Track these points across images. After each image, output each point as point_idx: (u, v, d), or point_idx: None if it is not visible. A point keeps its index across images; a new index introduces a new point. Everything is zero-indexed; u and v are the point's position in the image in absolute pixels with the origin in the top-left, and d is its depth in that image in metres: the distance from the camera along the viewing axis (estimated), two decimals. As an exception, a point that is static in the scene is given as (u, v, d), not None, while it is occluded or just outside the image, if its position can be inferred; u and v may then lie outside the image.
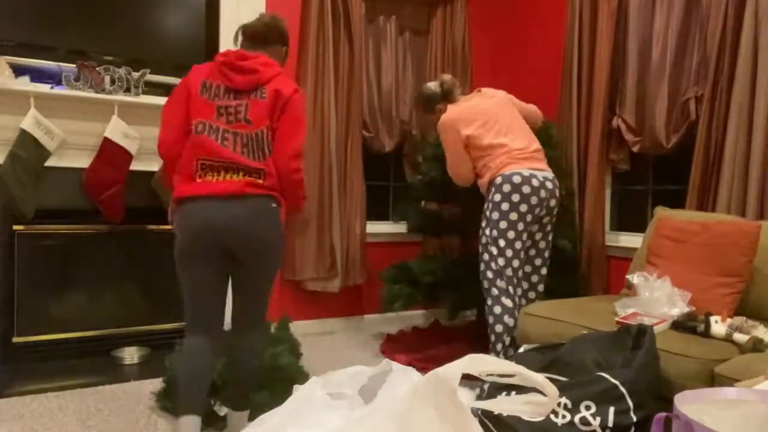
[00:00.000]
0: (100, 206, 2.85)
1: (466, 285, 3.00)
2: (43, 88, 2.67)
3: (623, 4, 3.18)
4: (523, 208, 2.44)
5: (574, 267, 3.15)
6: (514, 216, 2.45)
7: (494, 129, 2.55)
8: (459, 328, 3.62)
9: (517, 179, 2.44)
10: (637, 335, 1.84)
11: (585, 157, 3.30)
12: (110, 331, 2.98)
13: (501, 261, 2.48)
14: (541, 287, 2.67)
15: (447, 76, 2.74)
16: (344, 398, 2.03)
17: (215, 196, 1.84)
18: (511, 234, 2.46)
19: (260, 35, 2.15)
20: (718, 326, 1.91)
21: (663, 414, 1.11)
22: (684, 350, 1.79)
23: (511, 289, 2.50)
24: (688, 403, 1.11)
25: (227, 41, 3.19)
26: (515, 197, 2.44)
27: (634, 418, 1.62)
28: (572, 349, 1.86)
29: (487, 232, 2.52)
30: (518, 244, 2.47)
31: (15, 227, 2.75)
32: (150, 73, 2.91)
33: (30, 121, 2.64)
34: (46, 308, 2.85)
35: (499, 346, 2.51)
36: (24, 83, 2.62)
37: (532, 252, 2.62)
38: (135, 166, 2.94)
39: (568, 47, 3.38)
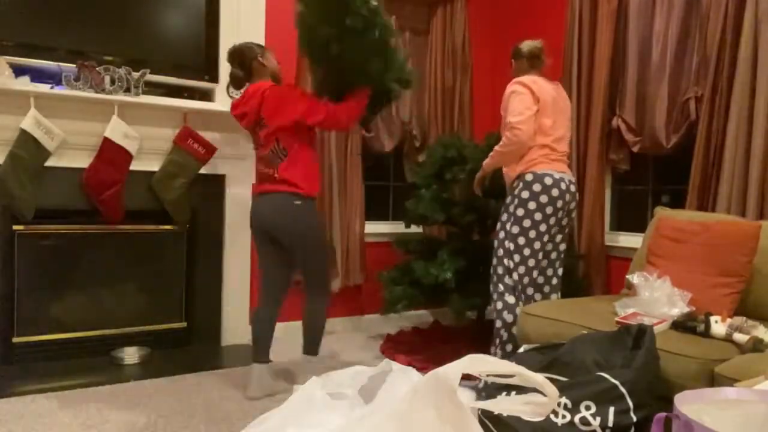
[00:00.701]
0: (100, 206, 2.85)
1: (473, 285, 2.99)
2: (43, 88, 2.67)
3: (623, 4, 3.18)
4: (549, 210, 2.47)
5: (574, 267, 3.14)
6: (539, 216, 2.47)
7: (549, 122, 2.54)
8: (459, 328, 3.62)
9: (548, 181, 2.46)
10: (637, 335, 1.84)
11: (585, 157, 3.30)
12: (110, 331, 2.98)
13: (516, 257, 2.50)
14: (555, 281, 2.67)
15: (539, 44, 2.66)
16: (344, 398, 2.03)
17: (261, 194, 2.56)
18: (532, 233, 2.48)
19: (234, 74, 2.59)
20: (718, 326, 1.91)
21: (663, 414, 1.11)
22: (684, 350, 1.79)
23: (519, 287, 2.51)
24: (688, 403, 1.11)
25: (227, 41, 3.18)
26: (543, 198, 2.46)
27: (634, 418, 1.62)
28: (572, 349, 1.86)
29: (507, 227, 2.53)
30: (537, 245, 2.49)
31: (15, 227, 2.75)
32: (150, 73, 2.91)
33: (30, 121, 2.64)
34: (46, 308, 2.85)
35: (496, 341, 2.52)
36: (24, 83, 2.62)
37: (549, 246, 2.61)
38: (135, 166, 2.94)
39: (568, 47, 3.38)
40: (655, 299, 2.12)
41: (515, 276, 2.51)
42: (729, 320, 1.93)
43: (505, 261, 2.53)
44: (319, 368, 2.50)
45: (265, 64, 2.53)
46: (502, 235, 2.56)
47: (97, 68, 2.78)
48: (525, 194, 2.48)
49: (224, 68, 3.17)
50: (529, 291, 2.56)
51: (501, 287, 2.53)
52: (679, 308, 2.09)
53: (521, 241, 2.49)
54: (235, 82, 2.57)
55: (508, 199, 2.56)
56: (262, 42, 3.29)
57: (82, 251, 2.93)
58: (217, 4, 3.16)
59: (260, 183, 2.54)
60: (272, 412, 1.98)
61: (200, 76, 3.14)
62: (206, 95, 3.21)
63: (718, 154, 2.66)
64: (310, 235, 2.50)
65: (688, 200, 2.75)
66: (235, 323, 3.30)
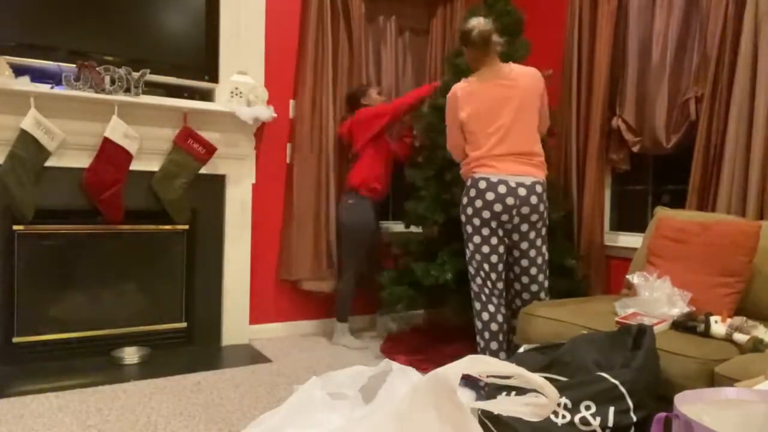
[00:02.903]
0: (100, 206, 2.85)
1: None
2: (43, 88, 2.67)
3: (623, 4, 3.18)
4: (486, 214, 2.42)
5: (574, 267, 3.14)
6: (476, 221, 2.46)
7: (489, 122, 2.45)
8: (459, 328, 3.62)
9: (482, 185, 2.42)
10: (637, 335, 1.84)
11: (584, 157, 3.30)
12: (110, 331, 2.98)
13: (474, 262, 2.51)
14: (535, 288, 2.56)
15: (485, 25, 2.44)
16: (344, 398, 2.03)
17: None
18: (476, 238, 2.48)
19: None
20: (718, 326, 1.91)
21: (663, 414, 1.11)
22: (684, 350, 1.79)
23: (486, 290, 2.50)
24: (688, 403, 1.11)
25: (227, 41, 3.19)
26: (478, 203, 2.43)
27: (634, 418, 1.62)
28: (572, 349, 1.86)
29: (462, 230, 2.56)
30: (485, 248, 2.47)
31: (15, 227, 2.75)
32: (150, 73, 2.91)
33: (30, 121, 2.64)
34: (46, 308, 2.85)
35: (477, 342, 2.54)
36: (24, 83, 2.62)
37: (516, 253, 2.54)
38: (135, 166, 2.94)
39: (568, 47, 3.38)
40: (655, 299, 2.12)
41: (480, 278, 2.51)
42: (729, 320, 1.93)
43: (470, 266, 2.54)
44: (319, 368, 2.54)
45: (365, 102, 3.39)
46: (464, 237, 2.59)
47: (97, 68, 2.78)
48: (464, 200, 2.49)
49: (224, 68, 3.19)
50: (497, 292, 2.51)
51: (474, 288, 2.54)
52: (679, 308, 2.09)
53: (470, 246, 2.50)
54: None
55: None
56: (262, 42, 3.30)
57: (82, 251, 2.93)
58: (217, 4, 3.16)
59: None
60: (272, 412, 1.98)
61: (200, 76, 3.14)
62: (206, 95, 3.21)
63: (718, 154, 2.66)
64: (344, 227, 3.35)
65: (688, 200, 2.75)
66: (235, 323, 3.30)
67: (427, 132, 3.17)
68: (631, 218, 3.35)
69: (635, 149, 3.13)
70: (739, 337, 1.85)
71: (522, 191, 2.41)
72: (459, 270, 2.87)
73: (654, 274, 2.22)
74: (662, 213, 2.62)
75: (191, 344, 3.19)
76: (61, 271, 2.88)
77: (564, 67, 3.41)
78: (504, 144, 2.44)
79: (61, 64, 2.78)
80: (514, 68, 2.51)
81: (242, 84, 3.13)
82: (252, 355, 3.07)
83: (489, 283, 2.49)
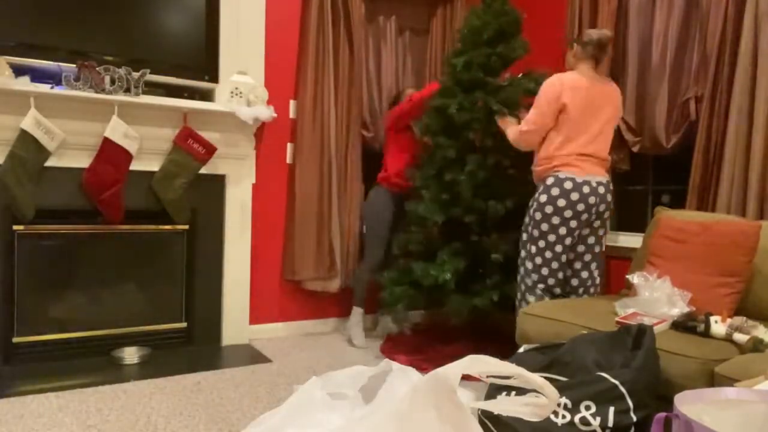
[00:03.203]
0: (100, 206, 2.85)
1: (473, 286, 2.99)
2: (43, 88, 2.66)
3: (623, 4, 3.18)
4: (568, 213, 2.48)
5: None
6: (556, 220, 2.49)
7: (584, 120, 2.53)
8: (459, 328, 3.62)
9: (568, 185, 2.47)
10: (637, 335, 1.84)
11: (585, 157, 3.30)
12: (110, 331, 2.98)
13: (538, 260, 2.55)
14: (593, 281, 2.65)
15: (608, 33, 2.58)
16: (344, 398, 2.03)
17: None
18: (551, 236, 2.51)
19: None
20: (718, 326, 1.91)
21: (663, 414, 1.11)
22: (684, 350, 1.79)
23: (542, 285, 2.56)
24: (688, 403, 1.11)
25: (227, 41, 3.19)
26: (561, 202, 2.47)
27: (634, 418, 1.62)
28: (572, 349, 1.86)
29: (529, 229, 2.59)
30: (559, 248, 2.52)
31: (15, 227, 2.75)
32: (150, 73, 2.90)
33: (30, 121, 2.64)
34: (46, 308, 2.85)
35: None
36: (24, 83, 2.62)
37: (581, 248, 2.62)
38: (135, 166, 2.94)
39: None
40: (655, 299, 2.12)
41: (535, 277, 2.56)
42: (729, 320, 1.93)
43: (528, 263, 2.58)
44: (319, 368, 2.54)
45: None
46: (524, 237, 2.62)
47: (97, 68, 2.78)
48: (543, 198, 2.52)
49: (224, 68, 3.19)
50: (557, 291, 2.58)
51: (523, 287, 2.61)
52: (679, 308, 2.09)
53: (542, 244, 2.54)
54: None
55: (531, 202, 2.61)
56: (262, 42, 3.29)
57: (82, 251, 2.93)
58: (217, 4, 3.16)
59: None
60: (272, 412, 1.98)
61: (200, 76, 3.14)
62: (206, 95, 3.21)
63: (718, 154, 2.66)
64: (364, 219, 3.51)
65: (688, 200, 2.75)
66: (235, 323, 3.30)
67: (427, 132, 3.17)
68: (631, 218, 3.35)
69: (635, 149, 3.13)
70: (739, 337, 1.85)
71: (601, 189, 2.53)
72: (458, 270, 2.87)
73: (654, 274, 2.22)
74: (662, 213, 2.62)
75: (191, 344, 3.19)
76: (61, 271, 2.88)
77: (564, 67, 3.40)
78: (592, 146, 2.55)
79: (61, 64, 2.78)
80: (611, 82, 2.66)
81: (242, 84, 3.13)
82: (252, 355, 3.07)
83: (551, 280, 2.55)
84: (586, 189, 2.48)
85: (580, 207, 2.48)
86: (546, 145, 2.59)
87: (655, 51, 3.02)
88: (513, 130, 2.72)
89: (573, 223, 2.49)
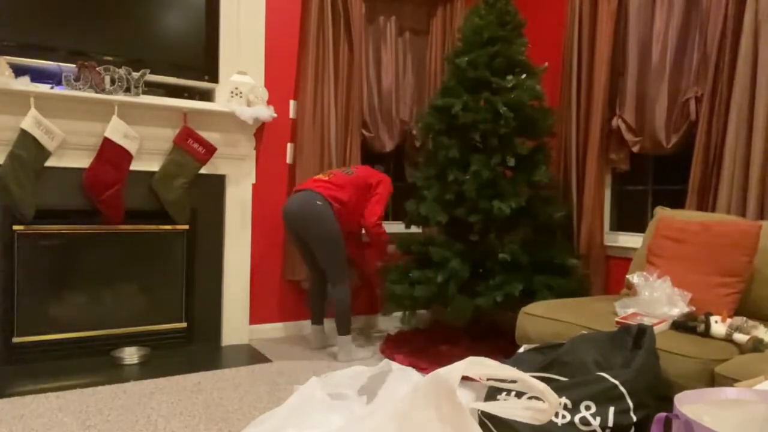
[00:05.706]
0: (100, 206, 2.85)
1: (473, 286, 2.98)
2: (43, 88, 2.67)
3: (623, 4, 3.18)
4: None
5: (574, 267, 3.14)
6: None
7: None
8: (459, 328, 3.62)
9: None
10: (637, 335, 1.84)
11: (584, 157, 3.30)
12: (110, 331, 2.98)
13: None
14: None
15: None
16: (344, 398, 2.03)
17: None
18: None
19: None
20: (718, 326, 1.92)
21: (663, 414, 1.11)
22: (684, 350, 1.79)
23: None
24: (688, 403, 1.11)
25: (227, 41, 3.19)
26: None
27: (634, 418, 1.62)
28: (572, 349, 1.86)
29: None
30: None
31: (15, 227, 2.75)
32: (150, 73, 2.91)
33: (30, 121, 2.64)
34: (46, 308, 2.85)
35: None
36: (24, 83, 2.62)
37: None
38: (135, 166, 2.94)
39: (568, 47, 3.38)
40: (655, 299, 2.12)
41: None
42: (729, 320, 1.93)
43: None
44: (319, 368, 2.54)
45: None
46: None
47: (97, 68, 2.78)
48: None
49: (224, 68, 3.19)
50: None
51: None
52: (679, 308, 2.09)
53: None
54: None
55: None
56: (262, 42, 3.29)
57: (82, 251, 2.93)
58: (217, 4, 3.16)
59: None
60: (272, 412, 1.98)
61: (200, 76, 3.14)
62: (206, 95, 3.21)
63: (718, 154, 2.66)
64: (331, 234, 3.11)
65: (688, 200, 2.75)
66: (235, 323, 3.30)
67: (428, 132, 3.17)
68: (631, 218, 3.35)
69: (635, 149, 3.13)
70: (739, 337, 1.85)
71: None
72: (458, 270, 2.87)
73: (654, 274, 2.22)
74: (662, 213, 2.62)
75: (191, 344, 3.19)
76: (61, 271, 2.88)
77: (564, 67, 3.41)
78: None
79: (61, 64, 2.78)
80: None
81: (242, 84, 3.13)
82: (252, 355, 3.07)
83: None
84: None
85: None
86: None
87: (655, 51, 3.02)
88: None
89: None
